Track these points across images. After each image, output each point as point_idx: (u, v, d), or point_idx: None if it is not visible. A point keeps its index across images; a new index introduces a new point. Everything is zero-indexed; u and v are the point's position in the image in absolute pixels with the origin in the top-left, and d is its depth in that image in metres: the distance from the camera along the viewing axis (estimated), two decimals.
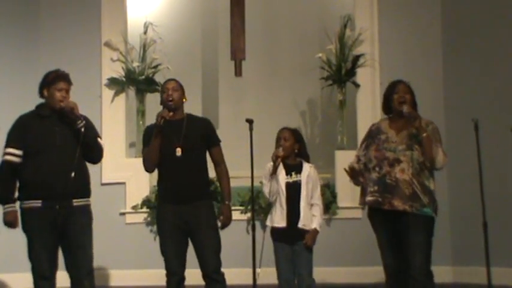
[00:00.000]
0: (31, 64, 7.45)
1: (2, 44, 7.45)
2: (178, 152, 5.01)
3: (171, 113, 5.04)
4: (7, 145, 4.95)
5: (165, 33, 7.74)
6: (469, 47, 7.32)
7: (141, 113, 7.62)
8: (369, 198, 4.97)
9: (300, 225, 5.24)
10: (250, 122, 5.21)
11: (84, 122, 4.94)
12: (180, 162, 5.00)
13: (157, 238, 7.13)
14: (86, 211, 5.01)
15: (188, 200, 4.99)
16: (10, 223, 4.92)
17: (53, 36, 7.62)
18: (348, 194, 7.28)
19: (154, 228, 7.31)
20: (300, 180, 5.32)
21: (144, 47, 7.65)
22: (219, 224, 5.11)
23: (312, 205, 5.34)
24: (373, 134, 5.11)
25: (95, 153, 5.08)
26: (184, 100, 5.23)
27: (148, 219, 7.33)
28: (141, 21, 7.73)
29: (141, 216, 7.33)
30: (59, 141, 4.88)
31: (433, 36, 7.58)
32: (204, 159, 5.18)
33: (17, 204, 4.95)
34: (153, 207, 7.29)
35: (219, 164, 5.19)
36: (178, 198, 5.00)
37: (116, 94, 7.60)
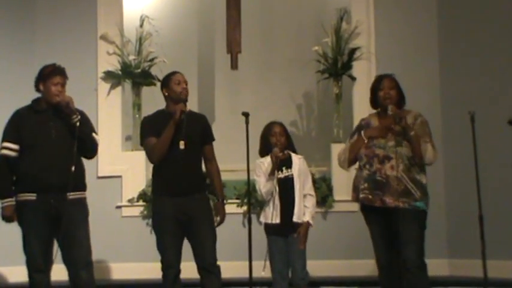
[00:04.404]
0: (26, 57, 7.43)
1: None
2: (182, 144, 5.05)
3: (188, 109, 5.11)
4: (3, 139, 4.99)
5: (161, 26, 7.72)
6: (465, 39, 7.31)
7: (137, 106, 7.61)
8: (360, 195, 5.00)
9: (295, 219, 5.24)
10: (246, 115, 5.20)
11: (79, 116, 4.94)
12: (182, 155, 5.04)
13: (154, 232, 7.27)
14: (81, 204, 5.03)
15: (187, 193, 5.04)
16: (8, 218, 4.98)
17: (49, 30, 7.60)
18: (344, 187, 7.26)
19: (151, 221, 7.32)
20: (292, 175, 5.32)
21: (140, 40, 7.63)
22: (216, 221, 5.16)
23: (304, 196, 5.34)
24: (362, 128, 5.13)
25: (89, 149, 5.09)
26: None
27: (145, 212, 7.32)
28: (137, 14, 7.71)
29: (137, 210, 7.33)
30: (54, 136, 4.91)
31: (429, 28, 7.57)
32: (201, 154, 5.24)
33: (15, 198, 4.97)
34: (149, 200, 7.27)
35: (211, 160, 5.27)
36: (177, 191, 5.03)
37: (112, 87, 7.59)
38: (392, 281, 5.00)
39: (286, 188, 5.28)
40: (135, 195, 7.35)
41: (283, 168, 5.33)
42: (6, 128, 5.03)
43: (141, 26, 7.65)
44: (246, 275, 5.03)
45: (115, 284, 7.04)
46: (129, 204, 7.34)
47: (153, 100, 7.63)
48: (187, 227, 5.05)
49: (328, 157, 7.42)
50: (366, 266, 6.83)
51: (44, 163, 4.85)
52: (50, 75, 5.00)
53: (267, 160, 5.33)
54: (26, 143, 4.92)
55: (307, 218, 5.28)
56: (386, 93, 5.03)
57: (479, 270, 5.10)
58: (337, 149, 7.38)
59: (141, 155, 7.42)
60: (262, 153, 5.44)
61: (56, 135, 4.91)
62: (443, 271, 6.91)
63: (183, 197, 5.02)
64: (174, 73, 5.29)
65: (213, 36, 8.19)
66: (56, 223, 4.86)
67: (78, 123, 4.90)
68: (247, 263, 4.97)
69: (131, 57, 7.56)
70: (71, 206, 4.90)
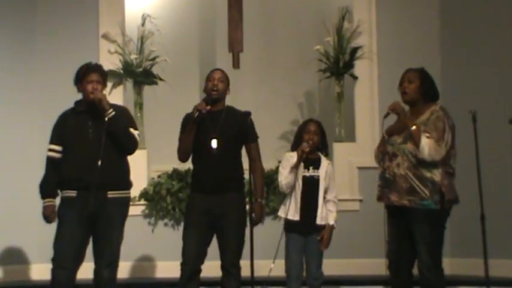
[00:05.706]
0: (28, 56, 7.44)
1: None
2: (214, 143, 5.02)
3: (208, 107, 5.02)
4: (50, 142, 5.13)
5: (162, 25, 7.72)
6: (467, 39, 7.31)
7: (139, 105, 7.60)
8: (377, 193, 5.01)
9: (318, 220, 5.27)
10: (247, 114, 5.19)
11: (113, 113, 4.96)
12: (214, 153, 5.02)
13: (155, 231, 7.31)
14: (122, 204, 5.09)
15: (219, 191, 5.03)
16: (47, 217, 5.06)
17: (50, 28, 7.59)
18: (346, 186, 7.28)
19: (153, 220, 7.35)
20: (318, 176, 5.33)
21: (142, 39, 7.62)
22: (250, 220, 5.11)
23: (327, 201, 5.35)
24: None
25: (126, 144, 5.10)
26: (227, 92, 5.24)
27: (146, 211, 7.32)
28: (139, 13, 7.71)
29: (139, 209, 7.31)
30: (92, 135, 4.98)
31: (431, 28, 7.57)
32: (239, 153, 5.22)
33: (57, 198, 5.08)
34: (151, 199, 7.29)
35: (254, 160, 5.19)
36: (208, 189, 5.04)
37: (114, 86, 7.57)
38: (399, 283, 4.97)
39: (309, 187, 5.30)
40: (137, 194, 7.33)
41: (310, 168, 5.34)
42: (52, 130, 5.16)
43: (143, 24, 7.65)
44: (248, 273, 5.01)
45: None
46: (131, 203, 7.31)
47: (155, 99, 7.65)
48: (216, 226, 5.06)
49: (330, 156, 7.39)
50: (368, 266, 6.83)
51: (82, 162, 4.92)
52: (84, 74, 5.07)
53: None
54: (67, 143, 5.04)
55: (332, 221, 5.32)
56: (404, 87, 4.97)
57: (481, 269, 5.10)
58: (338, 148, 7.43)
59: (143, 154, 7.43)
60: (293, 149, 5.45)
61: (94, 134, 4.97)
62: (445, 270, 6.88)
63: (213, 195, 5.03)
64: (212, 70, 5.29)
65: (214, 35, 8.19)
66: (93, 221, 4.92)
67: (106, 119, 4.93)
68: (249, 261, 4.96)
69: (133, 56, 7.55)
70: (110, 205, 4.97)
